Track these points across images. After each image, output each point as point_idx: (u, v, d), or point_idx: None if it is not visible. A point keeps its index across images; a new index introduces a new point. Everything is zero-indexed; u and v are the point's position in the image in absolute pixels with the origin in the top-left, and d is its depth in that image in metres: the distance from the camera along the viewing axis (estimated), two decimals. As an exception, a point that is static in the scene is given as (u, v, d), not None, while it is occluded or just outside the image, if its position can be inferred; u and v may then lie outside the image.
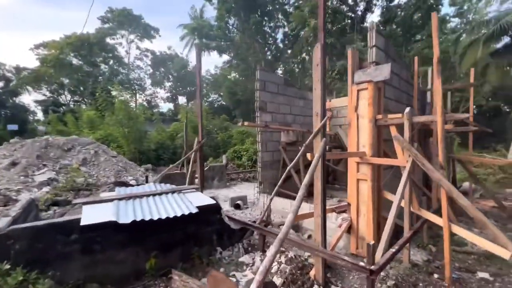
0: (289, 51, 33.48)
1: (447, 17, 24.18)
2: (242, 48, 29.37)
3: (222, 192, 8.65)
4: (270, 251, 2.01)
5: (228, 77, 32.95)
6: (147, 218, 3.05)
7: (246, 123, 5.57)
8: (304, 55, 33.26)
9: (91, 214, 3.05)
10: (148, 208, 3.39)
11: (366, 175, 4.29)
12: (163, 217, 3.12)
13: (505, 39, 16.81)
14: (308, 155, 3.28)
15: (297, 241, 3.57)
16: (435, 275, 3.61)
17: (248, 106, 29.15)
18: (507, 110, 21.41)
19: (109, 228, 3.08)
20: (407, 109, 3.88)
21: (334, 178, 8.85)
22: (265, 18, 30.17)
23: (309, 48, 31.55)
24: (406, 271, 3.66)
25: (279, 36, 33.42)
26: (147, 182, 8.12)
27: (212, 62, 72.76)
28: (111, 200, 3.56)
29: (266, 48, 31.18)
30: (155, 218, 3.08)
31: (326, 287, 3.20)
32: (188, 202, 3.69)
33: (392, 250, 3.04)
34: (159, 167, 12.06)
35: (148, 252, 3.46)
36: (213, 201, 3.92)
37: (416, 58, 6.05)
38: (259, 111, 6.57)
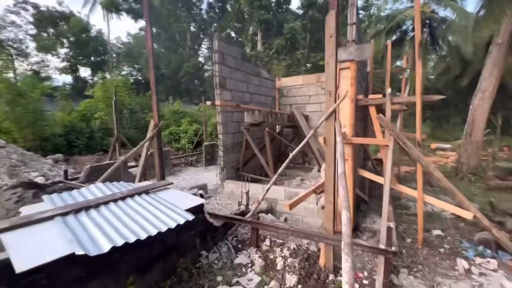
0: (215, 25, 31.58)
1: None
2: (163, 15, 25.71)
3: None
4: (347, 264, 1.63)
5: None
6: (132, 239, 2.14)
7: (216, 103, 4.74)
8: (228, 31, 32.07)
9: (27, 249, 1.91)
10: (120, 222, 2.41)
11: (347, 155, 4.36)
12: (153, 233, 2.26)
13: (398, 34, 20.11)
14: (320, 138, 2.97)
15: (310, 232, 3.30)
16: (408, 239, 4.10)
17: (174, 81, 26.43)
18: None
19: (60, 262, 2.02)
20: (389, 90, 4.03)
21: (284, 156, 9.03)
22: (188, -17, 27.05)
23: (236, 25, 30.58)
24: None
25: (204, 6, 30.91)
26: (66, 177, 6.25)
27: (124, 27, 61.53)
28: (51, 217, 2.36)
29: (191, 18, 28.36)
30: (143, 237, 2.19)
31: (337, 274, 3.12)
32: (171, 205, 2.85)
33: (392, 226, 3.18)
34: (72, 157, 9.51)
35: (120, 280, 2.52)
36: (201, 200, 3.17)
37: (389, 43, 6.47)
38: (219, 88, 5.77)
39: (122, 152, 8.00)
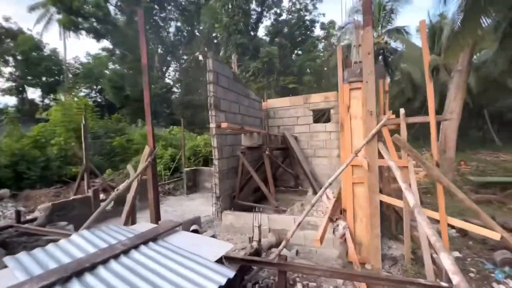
0: (180, 47, 31.38)
1: (316, 40, 29.46)
2: (129, 36, 24.72)
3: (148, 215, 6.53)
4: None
5: (110, 67, 27.07)
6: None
7: (223, 125, 4.23)
8: (197, 54, 32.11)
9: None
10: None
11: (362, 178, 4.12)
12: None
13: None
14: (363, 162, 2.65)
15: (354, 272, 2.83)
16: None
17: (140, 103, 24.99)
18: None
19: None
20: (402, 110, 3.99)
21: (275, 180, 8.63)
22: (156, 6, 26.79)
23: (206, 49, 30.78)
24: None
25: (172, 30, 30.75)
26: (19, 220, 4.97)
27: (83, 47, 57.91)
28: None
29: (159, 40, 27.79)
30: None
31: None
32: (195, 257, 2.20)
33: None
34: (22, 192, 7.86)
35: None
36: (228, 245, 2.55)
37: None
38: (214, 110, 5.28)
39: (96, 184, 6.82)
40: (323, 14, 34.21)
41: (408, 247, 3.89)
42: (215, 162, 5.38)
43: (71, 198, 5.51)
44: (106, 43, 27.79)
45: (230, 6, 13.95)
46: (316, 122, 8.25)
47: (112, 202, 6.50)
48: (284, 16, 26.58)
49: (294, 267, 2.97)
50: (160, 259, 2.14)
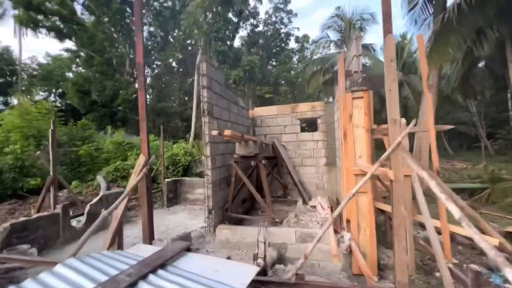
0: (152, 53, 30.28)
1: (292, 53, 30.43)
2: (97, 38, 23.16)
3: (130, 232, 5.85)
4: None
5: (74, 69, 25.04)
6: None
7: (226, 132, 3.91)
8: (171, 60, 31.20)
9: None
10: None
11: (366, 187, 4.09)
12: None
13: (330, 74, 22.93)
14: (389, 173, 2.55)
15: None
16: (436, 273, 3.91)
17: (108, 110, 23.26)
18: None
19: None
20: (403, 120, 4.07)
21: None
22: (128, 10, 25.62)
23: (180, 55, 30.03)
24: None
25: (145, 34, 29.54)
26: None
27: (41, 47, 52.99)
28: None
29: (131, 43, 26.44)
30: None
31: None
32: (221, 285, 1.86)
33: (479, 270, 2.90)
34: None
35: None
36: (255, 268, 2.22)
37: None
38: (208, 116, 4.95)
39: (61, 198, 5.93)
40: (298, 28, 35.53)
41: (413, 257, 3.89)
42: (208, 172, 4.99)
43: (35, 216, 4.67)
44: (69, 44, 25.68)
45: (210, 14, 13.78)
46: (303, 131, 8.26)
47: (84, 219, 5.73)
48: (260, 28, 27.09)
49: (314, 286, 2.74)
50: (179, 292, 1.77)
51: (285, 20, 27.26)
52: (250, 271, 2.12)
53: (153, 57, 30.32)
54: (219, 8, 14.10)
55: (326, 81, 21.89)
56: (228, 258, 3.05)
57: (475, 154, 22.15)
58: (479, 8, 7.46)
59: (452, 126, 4.01)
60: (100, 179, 9.03)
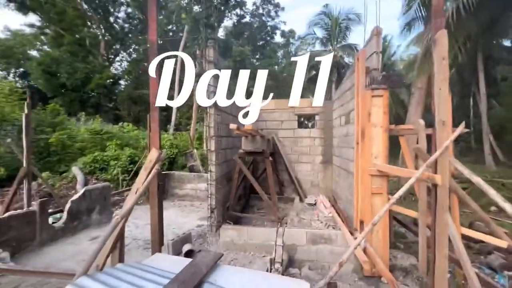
0: (130, 35, 28.24)
1: (278, 47, 30.17)
2: (68, 15, 20.97)
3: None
4: None
5: (39, 47, 22.56)
6: None
7: (250, 126, 3.54)
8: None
9: None
10: None
11: (381, 188, 4.00)
12: None
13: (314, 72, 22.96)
14: (437, 178, 2.40)
15: None
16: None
17: (79, 94, 21.32)
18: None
19: None
20: (421, 121, 4.01)
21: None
22: (104, -15, 23.54)
23: (160, 41, 28.33)
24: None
25: (122, 15, 27.41)
26: None
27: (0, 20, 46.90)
28: None
29: (107, 24, 24.39)
30: None
31: None
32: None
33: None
34: None
35: None
36: (306, 284, 1.94)
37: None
38: (214, 107, 4.54)
39: (35, 192, 5.16)
40: (284, 22, 35.02)
41: (425, 258, 3.90)
42: (212, 168, 4.60)
43: (6, 215, 3.97)
44: (34, 18, 23.01)
45: (200, -1, 12.97)
46: (300, 127, 8.10)
47: (64, 217, 5.06)
48: (247, 19, 26.37)
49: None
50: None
51: (272, 13, 26.82)
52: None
53: (130, 41, 28.29)
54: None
55: (311, 77, 22.00)
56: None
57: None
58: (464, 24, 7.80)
59: (468, 130, 4.04)
60: (76, 170, 8.17)
